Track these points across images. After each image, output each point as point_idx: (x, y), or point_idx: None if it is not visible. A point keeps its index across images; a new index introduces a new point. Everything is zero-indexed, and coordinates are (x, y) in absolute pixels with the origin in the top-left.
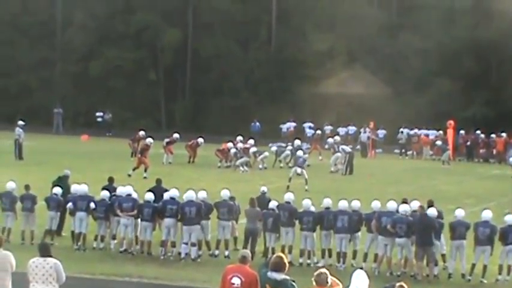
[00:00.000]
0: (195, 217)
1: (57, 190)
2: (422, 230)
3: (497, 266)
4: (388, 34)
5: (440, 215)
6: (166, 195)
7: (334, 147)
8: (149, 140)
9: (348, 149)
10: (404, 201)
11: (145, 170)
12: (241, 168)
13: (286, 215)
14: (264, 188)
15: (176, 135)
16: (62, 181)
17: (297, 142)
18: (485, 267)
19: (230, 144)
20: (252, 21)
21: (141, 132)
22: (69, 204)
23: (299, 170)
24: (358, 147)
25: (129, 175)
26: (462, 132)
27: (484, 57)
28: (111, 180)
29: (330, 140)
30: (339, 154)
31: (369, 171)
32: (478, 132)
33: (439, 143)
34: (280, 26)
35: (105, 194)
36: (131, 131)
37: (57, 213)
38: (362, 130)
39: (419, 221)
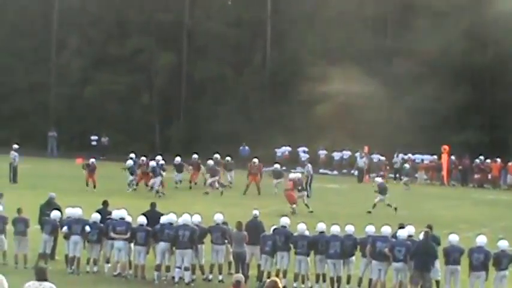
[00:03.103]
0: (188, 241)
1: (55, 214)
2: (423, 255)
3: None
4: (383, 58)
5: (437, 240)
6: (164, 219)
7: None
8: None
9: (311, 170)
10: (401, 226)
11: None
12: (217, 186)
13: (282, 239)
14: (256, 212)
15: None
16: (50, 204)
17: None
18: None
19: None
20: (246, 46)
21: (91, 160)
22: (64, 228)
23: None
24: (353, 171)
25: None
26: (453, 157)
27: (479, 82)
28: (105, 203)
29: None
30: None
31: (364, 196)
32: (481, 157)
33: (406, 166)
34: (275, 51)
35: (96, 216)
36: (125, 155)
37: (51, 236)
38: (358, 155)
39: (422, 246)
